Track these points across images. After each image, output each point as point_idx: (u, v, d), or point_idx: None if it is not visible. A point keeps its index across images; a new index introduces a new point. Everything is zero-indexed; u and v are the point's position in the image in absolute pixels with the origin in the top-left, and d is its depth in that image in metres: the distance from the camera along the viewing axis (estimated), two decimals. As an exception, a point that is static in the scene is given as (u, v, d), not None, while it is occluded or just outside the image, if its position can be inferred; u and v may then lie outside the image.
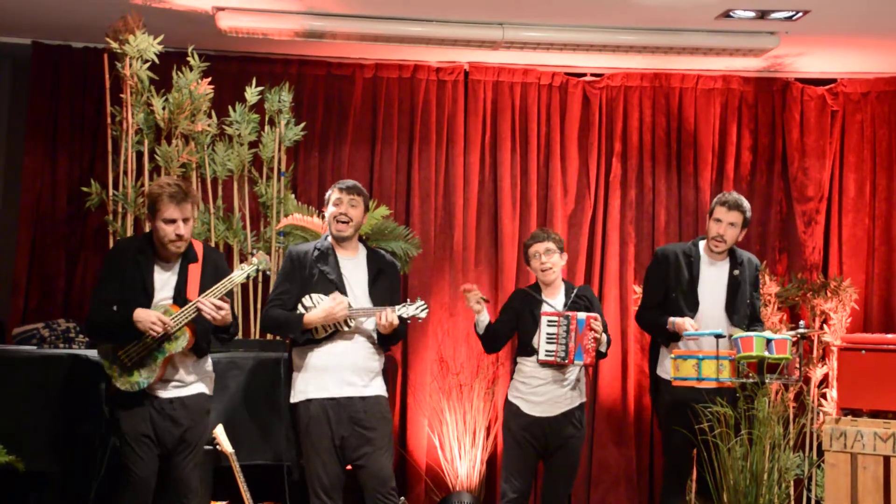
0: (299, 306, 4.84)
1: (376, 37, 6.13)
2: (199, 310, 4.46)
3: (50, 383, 5.19)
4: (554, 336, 5.03)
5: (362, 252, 5.03)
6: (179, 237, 4.51)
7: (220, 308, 4.46)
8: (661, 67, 6.90)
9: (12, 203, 6.60)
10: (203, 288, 4.58)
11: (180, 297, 4.55)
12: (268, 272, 4.84)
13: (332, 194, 4.96)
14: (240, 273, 4.62)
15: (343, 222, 4.90)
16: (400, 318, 4.79)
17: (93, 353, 5.29)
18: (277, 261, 6.24)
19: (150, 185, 4.58)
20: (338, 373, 4.81)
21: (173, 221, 4.48)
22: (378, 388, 4.92)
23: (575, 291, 5.27)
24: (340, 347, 4.84)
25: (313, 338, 4.82)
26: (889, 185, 6.92)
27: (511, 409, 5.17)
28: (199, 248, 4.70)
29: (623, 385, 6.77)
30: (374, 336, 4.89)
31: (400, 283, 5.20)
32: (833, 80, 7.01)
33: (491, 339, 5.23)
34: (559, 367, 5.08)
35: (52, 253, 6.50)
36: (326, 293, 4.81)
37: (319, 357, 4.83)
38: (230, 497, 5.31)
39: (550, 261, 5.17)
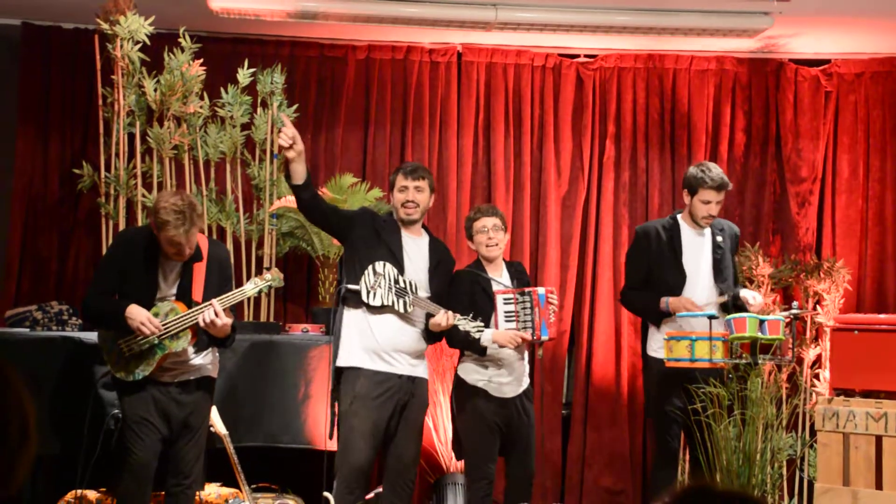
0: (368, 270, 4.70)
1: (369, 18, 6.11)
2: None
3: (43, 366, 5.19)
4: (513, 314, 4.93)
5: (426, 237, 4.98)
6: (179, 254, 4.48)
7: (216, 320, 4.42)
8: (654, 48, 6.88)
9: (4, 186, 6.57)
10: (208, 285, 4.57)
11: (185, 296, 4.54)
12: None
13: (397, 180, 4.89)
14: (252, 287, 4.62)
15: (411, 208, 4.85)
16: (454, 326, 4.73)
17: (86, 336, 5.30)
18: (271, 243, 6.23)
19: (159, 200, 4.43)
20: (387, 349, 4.72)
21: (178, 244, 4.44)
22: (424, 370, 4.89)
23: (514, 267, 5.21)
24: (392, 324, 4.74)
25: (366, 301, 4.69)
26: (882, 166, 6.92)
27: (479, 395, 4.98)
28: (203, 244, 4.65)
29: (616, 366, 6.77)
30: (424, 327, 4.83)
31: (450, 278, 5.06)
32: (827, 61, 6.99)
33: (465, 346, 5.02)
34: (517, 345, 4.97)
35: (45, 235, 6.48)
36: (387, 263, 4.72)
37: (369, 329, 4.73)
38: (224, 479, 5.32)
39: (497, 237, 5.09)
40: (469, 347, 4.95)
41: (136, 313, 4.42)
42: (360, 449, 4.67)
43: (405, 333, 4.77)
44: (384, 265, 4.71)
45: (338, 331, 4.81)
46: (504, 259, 5.25)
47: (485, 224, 5.09)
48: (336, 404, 4.79)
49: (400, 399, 4.75)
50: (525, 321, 4.93)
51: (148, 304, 4.49)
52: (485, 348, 4.93)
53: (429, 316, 4.79)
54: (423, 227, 5.02)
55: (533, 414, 5.13)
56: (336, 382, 4.81)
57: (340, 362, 4.77)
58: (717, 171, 5.24)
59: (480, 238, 5.10)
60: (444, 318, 4.69)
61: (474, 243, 5.15)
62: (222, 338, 4.58)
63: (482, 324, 4.76)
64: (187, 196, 4.47)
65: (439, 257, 4.95)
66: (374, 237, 4.78)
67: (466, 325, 4.72)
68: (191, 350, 4.57)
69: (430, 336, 4.88)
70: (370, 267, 4.71)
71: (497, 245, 5.09)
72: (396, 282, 4.70)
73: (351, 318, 4.78)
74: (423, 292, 4.82)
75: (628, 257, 5.52)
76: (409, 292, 4.72)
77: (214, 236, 5.99)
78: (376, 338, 4.72)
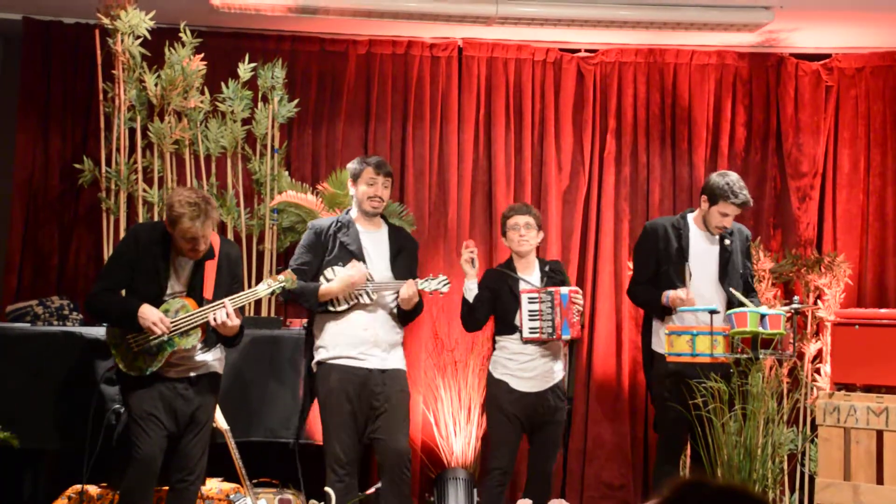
0: (321, 279, 4.90)
1: (370, 12, 6.10)
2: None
3: (44, 361, 5.19)
4: (537, 313, 5.06)
5: (384, 227, 5.10)
6: (194, 249, 4.48)
7: (227, 321, 4.44)
8: (655, 43, 6.87)
9: (5, 180, 6.57)
10: (219, 283, 4.58)
11: (196, 293, 4.55)
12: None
13: (365, 172, 4.97)
14: (265, 289, 4.64)
15: (377, 204, 4.98)
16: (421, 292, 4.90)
17: (87, 331, 5.30)
18: (272, 238, 6.23)
19: (172, 195, 4.45)
20: (358, 345, 4.87)
21: (194, 239, 4.44)
22: (398, 360, 5.00)
23: (549, 266, 5.31)
24: (361, 319, 4.90)
25: (334, 309, 4.88)
26: (883, 160, 6.91)
27: (500, 387, 5.16)
28: (216, 242, 4.65)
29: (617, 361, 6.77)
30: (394, 310, 4.97)
31: (417, 263, 5.24)
32: (827, 56, 6.98)
33: (472, 315, 5.22)
34: (542, 342, 5.11)
35: (46, 230, 6.48)
36: (346, 264, 4.86)
37: (340, 328, 4.90)
38: (225, 474, 5.32)
39: (529, 234, 5.21)
40: (463, 305, 5.21)
41: (149, 313, 4.41)
42: (338, 440, 4.85)
43: (374, 326, 4.92)
44: (333, 269, 4.88)
45: (309, 331, 5.05)
46: (539, 258, 5.36)
47: (517, 221, 5.23)
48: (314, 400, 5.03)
49: (372, 391, 4.88)
50: (547, 320, 5.04)
51: (157, 301, 4.48)
52: (474, 296, 5.17)
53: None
54: (381, 216, 5.13)
55: (561, 411, 5.22)
56: (310, 380, 5.03)
57: (315, 359, 4.96)
58: (741, 186, 5.19)
59: (512, 235, 5.24)
60: (406, 289, 4.86)
61: (507, 240, 5.29)
62: (230, 337, 4.60)
63: (445, 277, 4.98)
64: (201, 191, 4.51)
65: (399, 245, 5.08)
66: (330, 246, 4.93)
67: (430, 285, 4.92)
68: (198, 346, 4.57)
69: (404, 316, 5.02)
70: (321, 277, 4.90)
71: (528, 242, 5.22)
72: None
73: (321, 320, 4.96)
74: (388, 279, 4.97)
75: (635, 252, 5.52)
76: (367, 281, 4.86)
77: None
78: (346, 336, 4.89)
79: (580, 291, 5.16)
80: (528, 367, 5.14)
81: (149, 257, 4.52)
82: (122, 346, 4.51)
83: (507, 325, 5.19)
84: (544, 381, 5.15)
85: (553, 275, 5.28)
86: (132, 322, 4.42)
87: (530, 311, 5.07)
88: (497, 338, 5.27)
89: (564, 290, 5.07)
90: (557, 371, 5.20)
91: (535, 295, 5.08)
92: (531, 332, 5.07)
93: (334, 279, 4.85)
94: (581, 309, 5.12)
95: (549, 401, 5.15)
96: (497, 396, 5.18)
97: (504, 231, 5.30)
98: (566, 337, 5.07)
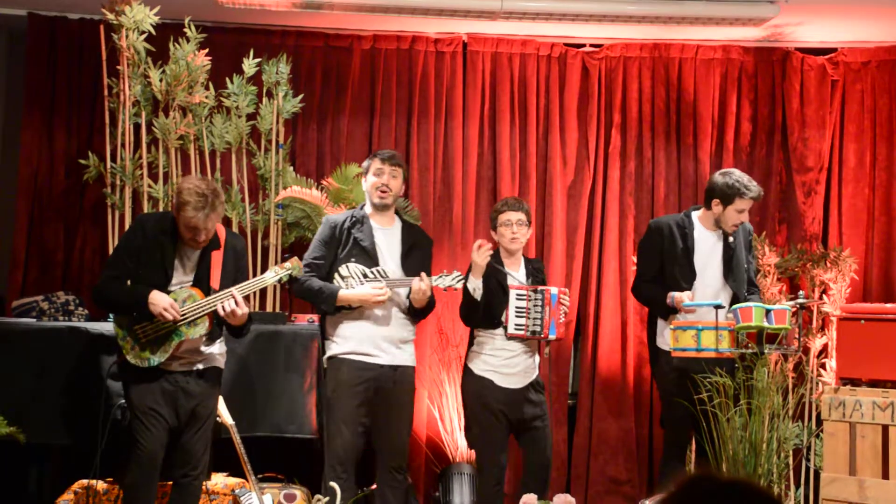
0: (335, 276, 4.91)
1: (374, 7, 6.09)
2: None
3: (49, 356, 5.21)
4: (524, 310, 5.01)
5: (398, 224, 5.10)
6: (195, 239, 4.48)
7: (237, 309, 4.47)
8: (660, 38, 6.86)
9: (10, 176, 6.58)
10: (224, 273, 4.59)
11: (202, 284, 4.56)
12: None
13: (373, 164, 5.02)
14: (272, 276, 4.67)
15: (384, 192, 4.97)
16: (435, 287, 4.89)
17: (92, 326, 5.31)
18: (277, 233, 6.24)
19: (183, 182, 4.50)
20: (371, 341, 4.89)
21: (195, 229, 4.44)
22: (409, 357, 5.03)
23: (532, 265, 5.29)
24: (374, 317, 4.91)
25: (347, 309, 4.91)
26: (889, 154, 6.89)
27: (484, 384, 5.07)
28: (221, 233, 4.67)
29: (622, 356, 6.77)
30: (407, 306, 4.97)
31: (431, 260, 5.22)
32: (833, 50, 6.96)
33: (478, 310, 5.07)
34: (524, 339, 5.07)
35: (51, 226, 6.48)
36: (359, 261, 4.88)
37: (353, 324, 4.91)
38: (230, 469, 5.33)
39: (521, 231, 5.16)
40: (471, 303, 5.02)
41: (160, 299, 4.43)
42: (342, 434, 4.85)
43: (386, 322, 4.93)
44: (347, 267, 4.90)
45: (323, 328, 5.07)
46: (524, 255, 5.31)
47: (509, 218, 5.16)
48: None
49: (381, 387, 4.90)
50: (535, 319, 5.02)
51: (163, 290, 4.49)
52: (477, 298, 4.99)
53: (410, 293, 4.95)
54: (396, 212, 5.14)
55: (544, 404, 5.20)
56: (324, 375, 5.05)
57: (327, 354, 4.99)
58: (749, 179, 5.21)
59: (504, 231, 5.18)
60: (419, 285, 4.83)
61: (497, 234, 5.23)
62: (238, 327, 4.61)
63: (459, 273, 4.91)
64: (213, 183, 4.51)
65: (412, 242, 5.07)
66: (343, 241, 4.94)
67: (444, 281, 4.87)
68: (204, 337, 4.58)
69: (416, 313, 5.02)
70: (336, 274, 4.91)
71: (519, 240, 5.17)
72: (365, 276, 4.89)
73: (334, 316, 4.96)
74: (399, 275, 4.97)
75: (640, 250, 5.52)
76: (381, 279, 4.88)
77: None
78: (359, 332, 4.90)
79: (567, 292, 5.16)
80: (511, 364, 5.09)
81: (155, 247, 4.53)
82: (130, 337, 4.52)
83: (490, 320, 5.08)
84: (525, 376, 5.12)
85: (537, 273, 5.26)
86: (141, 309, 4.42)
87: (517, 307, 5.02)
88: (477, 332, 5.16)
89: (554, 289, 5.04)
90: (535, 366, 5.18)
91: (524, 292, 5.03)
92: (517, 329, 5.02)
93: (354, 290, 4.84)
94: (567, 310, 5.11)
95: (531, 396, 5.12)
96: (482, 395, 5.08)
97: (495, 226, 5.22)
98: (552, 336, 5.04)
